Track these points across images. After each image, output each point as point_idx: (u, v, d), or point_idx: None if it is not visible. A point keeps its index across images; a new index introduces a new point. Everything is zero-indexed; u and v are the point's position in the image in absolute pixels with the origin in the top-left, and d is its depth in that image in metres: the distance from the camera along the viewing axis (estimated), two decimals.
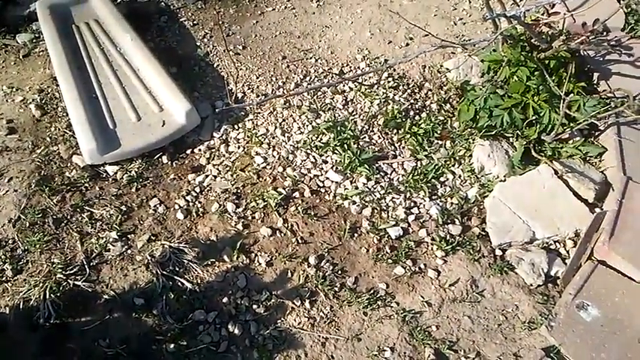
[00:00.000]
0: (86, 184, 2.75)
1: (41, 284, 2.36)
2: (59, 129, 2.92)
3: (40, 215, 2.59)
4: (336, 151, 3.00)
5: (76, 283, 2.40)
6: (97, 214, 2.65)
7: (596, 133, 3.07)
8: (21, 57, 3.28)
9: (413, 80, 3.39)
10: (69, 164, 2.80)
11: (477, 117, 3.06)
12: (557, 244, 2.75)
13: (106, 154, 2.75)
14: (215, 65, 3.35)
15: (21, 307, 2.33)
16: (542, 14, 2.90)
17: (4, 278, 2.40)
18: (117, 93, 2.99)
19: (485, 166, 3.00)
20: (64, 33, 3.18)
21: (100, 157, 2.74)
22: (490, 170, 2.99)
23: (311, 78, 3.36)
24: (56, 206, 2.64)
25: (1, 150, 2.79)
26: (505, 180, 2.92)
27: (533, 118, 2.94)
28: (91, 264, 2.48)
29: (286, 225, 2.72)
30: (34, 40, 3.35)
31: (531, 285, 2.61)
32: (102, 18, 3.36)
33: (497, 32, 2.87)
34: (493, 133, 3.06)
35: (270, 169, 2.92)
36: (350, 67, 3.46)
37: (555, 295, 2.59)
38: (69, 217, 2.62)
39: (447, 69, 3.42)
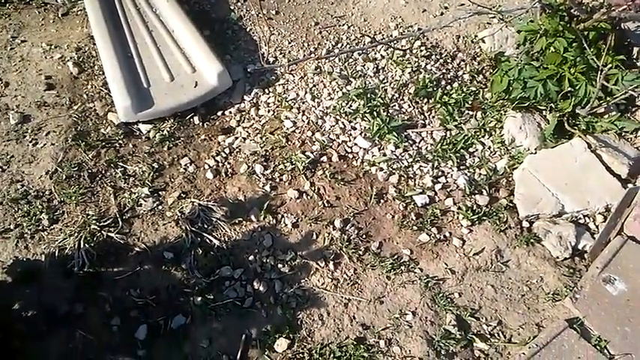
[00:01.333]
0: (120, 141, 2.82)
1: (76, 234, 2.45)
2: (95, 87, 2.99)
3: (75, 169, 2.67)
4: (365, 118, 3.00)
5: (109, 234, 2.48)
6: (130, 170, 2.72)
7: (633, 109, 3.00)
8: (60, 15, 3.34)
9: (446, 50, 3.35)
10: (104, 121, 2.87)
11: (510, 88, 3.01)
12: (586, 218, 2.72)
13: (139, 112, 2.81)
14: (248, 29, 3.36)
15: (56, 255, 2.42)
16: None
17: (40, 227, 2.49)
18: (151, 53, 3.04)
19: (516, 138, 2.96)
20: None
21: (134, 115, 2.80)
22: (521, 142, 2.95)
23: (343, 45, 3.34)
24: (91, 161, 2.71)
25: (39, 105, 2.87)
26: (536, 152, 2.88)
27: (569, 90, 2.88)
28: (124, 217, 2.56)
29: (313, 188, 2.75)
30: (73, 0, 3.41)
31: (557, 257, 2.59)
32: None
33: (536, 0, 2.80)
34: (526, 105, 3.01)
35: (299, 133, 2.94)
36: (382, 34, 3.42)
37: (582, 269, 2.57)
38: (103, 171, 2.70)
39: (482, 39, 3.36)
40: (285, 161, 2.81)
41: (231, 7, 3.45)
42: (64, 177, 2.64)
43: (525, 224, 2.71)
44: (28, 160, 2.67)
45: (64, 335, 2.23)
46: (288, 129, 2.95)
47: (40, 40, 3.19)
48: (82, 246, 2.41)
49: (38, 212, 2.51)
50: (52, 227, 2.49)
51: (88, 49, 3.14)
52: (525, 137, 2.95)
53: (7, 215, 2.49)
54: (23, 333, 2.22)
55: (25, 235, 2.45)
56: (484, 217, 2.71)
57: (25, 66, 3.04)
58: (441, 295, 2.47)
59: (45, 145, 2.73)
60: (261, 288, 2.44)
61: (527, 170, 2.80)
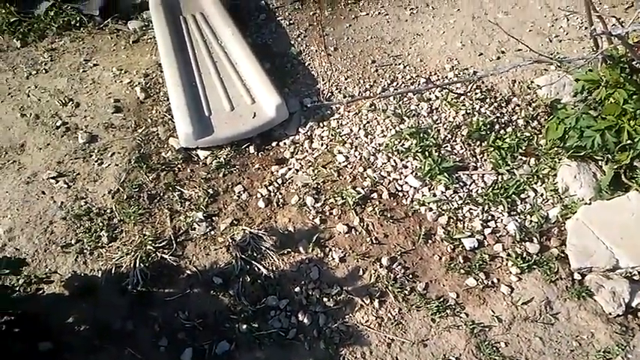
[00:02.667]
0: (179, 165, 2.93)
1: (133, 253, 2.55)
2: (160, 112, 3.13)
3: (136, 189, 2.79)
4: (417, 157, 3.02)
5: (163, 255, 2.57)
6: (186, 194, 2.82)
7: None
8: (131, 42, 3.54)
9: (501, 94, 3.36)
10: (165, 145, 3.00)
11: (566, 136, 2.98)
12: None
13: (200, 139, 2.92)
14: (306, 64, 3.47)
15: (112, 272, 2.52)
16: None
17: (99, 244, 2.61)
18: (214, 83, 3.17)
19: (570, 187, 2.92)
20: (171, 23, 3.41)
21: (194, 141, 2.92)
22: (575, 192, 2.91)
23: (398, 84, 3.41)
24: (151, 183, 2.83)
25: (107, 126, 3.03)
26: (590, 203, 2.83)
27: (627, 142, 2.83)
28: (178, 240, 2.65)
29: (362, 224, 2.77)
30: (144, 28, 3.61)
31: (610, 314, 2.52)
32: (207, 11, 3.56)
33: (598, 51, 2.79)
34: (581, 154, 2.97)
35: (351, 168, 2.99)
36: (438, 75, 3.47)
37: (635, 327, 2.49)
38: (161, 194, 2.81)
39: (538, 85, 3.35)
40: (335, 195, 2.85)
41: (292, 42, 3.57)
42: (125, 197, 2.76)
43: (577, 276, 2.65)
44: (93, 179, 2.81)
45: (114, 352, 2.31)
46: (340, 163, 3.00)
47: (111, 64, 3.38)
48: (137, 265, 2.50)
49: (99, 229, 2.63)
50: (110, 245, 2.60)
51: (155, 76, 3.30)
52: (580, 187, 2.90)
53: (70, 230, 2.62)
54: (75, 346, 2.31)
55: (85, 251, 2.57)
56: (534, 266, 2.67)
57: (96, 88, 3.23)
58: (486, 342, 2.43)
59: (109, 165, 2.87)
60: (305, 320, 2.46)
61: (580, 221, 2.75)
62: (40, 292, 2.43)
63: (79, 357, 2.28)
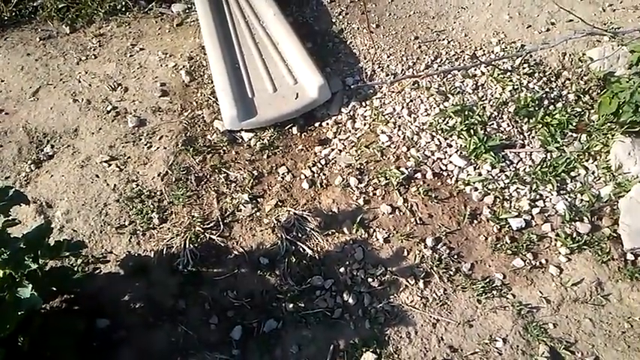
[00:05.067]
0: (224, 148, 2.99)
1: (182, 234, 2.63)
2: (204, 95, 3.18)
3: (184, 172, 2.87)
4: (461, 136, 2.97)
5: (211, 236, 2.65)
6: (232, 176, 2.88)
7: None
8: (175, 25, 3.59)
9: (550, 68, 3.24)
10: (211, 128, 3.06)
11: (620, 111, 2.86)
12: None
13: (244, 121, 2.96)
14: (348, 42, 3.43)
15: (164, 253, 2.62)
16: None
17: (151, 225, 2.70)
18: (257, 64, 3.19)
19: (624, 165, 2.82)
20: (214, 5, 3.42)
21: (238, 123, 2.96)
22: (629, 169, 2.80)
23: (442, 60, 3.33)
24: (198, 165, 2.90)
25: (154, 110, 3.11)
26: None
27: None
28: (225, 221, 2.71)
29: (406, 204, 2.77)
30: (187, 11, 3.65)
31: None
32: None
33: None
34: (636, 129, 2.85)
35: (394, 148, 2.96)
36: (484, 50, 3.37)
37: None
38: (208, 176, 2.88)
39: (590, 58, 3.21)
40: (379, 175, 2.85)
41: (333, 20, 3.53)
42: (174, 179, 2.84)
43: (630, 257, 2.58)
44: (143, 162, 2.90)
45: (167, 329, 2.41)
46: (383, 143, 2.98)
47: (157, 48, 3.44)
48: (187, 246, 2.59)
49: (150, 211, 2.73)
50: (161, 226, 2.69)
51: (199, 59, 3.35)
52: (634, 164, 2.79)
53: (123, 212, 2.72)
54: (130, 323, 2.42)
55: (138, 232, 2.67)
56: (584, 246, 2.61)
57: (143, 73, 3.30)
58: (534, 324, 2.40)
59: (158, 148, 2.95)
60: (350, 300, 2.49)
61: (634, 199, 2.65)
62: (97, 271, 2.55)
63: (134, 333, 2.39)
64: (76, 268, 2.51)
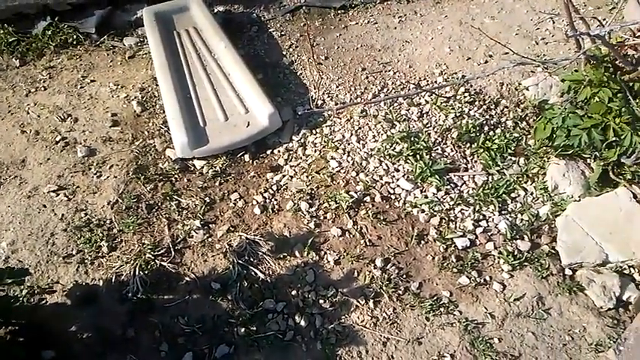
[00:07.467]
0: (176, 176, 3.01)
1: (132, 262, 2.61)
2: (156, 124, 3.21)
3: (135, 200, 2.86)
4: (408, 161, 3.09)
5: (162, 263, 2.64)
6: (183, 203, 2.89)
7: None
8: (127, 58, 3.64)
9: (489, 96, 3.43)
10: (162, 156, 3.08)
11: (554, 136, 3.05)
12: (631, 269, 2.69)
13: (195, 149, 3.00)
14: (298, 73, 3.55)
15: (113, 281, 2.59)
16: (629, 36, 2.87)
17: (100, 254, 2.67)
18: (209, 94, 3.26)
19: (560, 185, 2.98)
20: (166, 38, 3.50)
21: (190, 151, 2.99)
22: (564, 189, 2.97)
23: (388, 90, 3.48)
24: (149, 193, 2.90)
25: (105, 140, 3.11)
26: (579, 200, 2.89)
27: (613, 140, 2.89)
28: (176, 248, 2.71)
29: (356, 227, 2.83)
30: (139, 44, 3.71)
31: (601, 308, 2.57)
32: (200, 26, 3.66)
33: (580, 52, 2.86)
34: (569, 152, 3.03)
35: (344, 173, 3.05)
36: (427, 81, 3.55)
37: (626, 320, 2.53)
38: (159, 204, 2.88)
39: (525, 87, 3.43)
40: (329, 200, 2.92)
41: (284, 53, 3.66)
42: (124, 207, 2.83)
43: (568, 272, 2.71)
44: (92, 191, 2.89)
45: (117, 358, 2.36)
46: (333, 169, 3.07)
47: (108, 80, 3.47)
48: (137, 273, 2.57)
49: (99, 239, 2.70)
50: (110, 254, 2.67)
51: (151, 90, 3.39)
52: (569, 184, 2.96)
53: (71, 241, 2.69)
54: (78, 354, 2.36)
55: (86, 261, 2.63)
56: (525, 263, 2.72)
57: (94, 104, 3.31)
58: (480, 339, 2.48)
59: (108, 177, 2.95)
60: (302, 322, 2.51)
61: (570, 218, 2.81)
62: (43, 302, 2.49)
63: None
64: (21, 299, 2.45)
